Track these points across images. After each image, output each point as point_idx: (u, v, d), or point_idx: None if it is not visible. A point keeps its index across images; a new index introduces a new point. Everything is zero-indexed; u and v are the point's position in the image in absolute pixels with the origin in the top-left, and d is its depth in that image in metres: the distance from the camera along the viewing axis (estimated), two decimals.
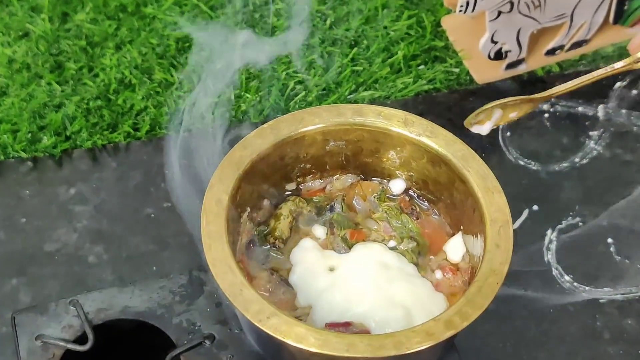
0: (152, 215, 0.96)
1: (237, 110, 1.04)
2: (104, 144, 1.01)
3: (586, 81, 0.81)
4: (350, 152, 0.75)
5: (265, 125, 0.73)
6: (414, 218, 0.76)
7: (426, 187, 0.76)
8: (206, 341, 0.72)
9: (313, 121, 0.73)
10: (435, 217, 0.77)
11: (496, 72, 1.07)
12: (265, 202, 0.75)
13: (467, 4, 0.95)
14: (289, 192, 0.77)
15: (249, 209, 0.73)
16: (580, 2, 1.02)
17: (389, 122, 0.73)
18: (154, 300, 0.75)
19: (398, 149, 0.74)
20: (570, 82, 0.81)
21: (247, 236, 0.73)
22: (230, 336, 0.73)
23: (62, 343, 0.71)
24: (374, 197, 0.76)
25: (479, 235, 0.70)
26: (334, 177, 0.77)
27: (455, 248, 0.74)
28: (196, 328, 0.74)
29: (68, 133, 1.02)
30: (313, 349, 0.60)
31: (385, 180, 0.78)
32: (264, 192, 0.74)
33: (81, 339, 0.72)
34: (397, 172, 0.76)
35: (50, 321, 0.73)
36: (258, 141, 0.71)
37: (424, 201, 0.77)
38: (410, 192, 0.77)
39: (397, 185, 0.78)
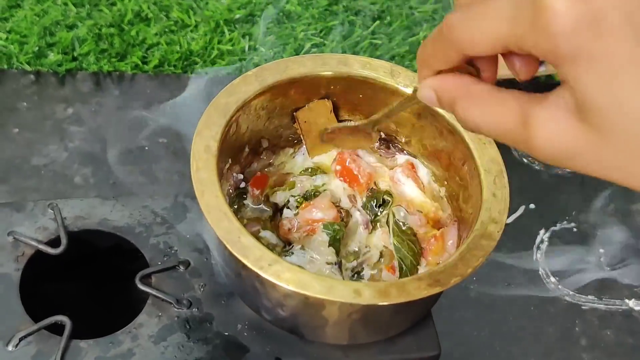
0: (147, 148, 0.95)
1: (250, 62, 1.03)
2: (109, 70, 1.00)
3: None
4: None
5: (249, 72, 0.70)
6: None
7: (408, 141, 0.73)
8: (180, 266, 0.70)
9: (297, 70, 0.71)
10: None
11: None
12: (246, 151, 0.72)
13: None
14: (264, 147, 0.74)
15: (230, 161, 0.70)
16: None
17: (375, 72, 0.71)
18: (135, 218, 0.73)
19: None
20: None
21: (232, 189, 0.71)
22: (205, 265, 0.70)
23: (34, 242, 0.69)
24: None
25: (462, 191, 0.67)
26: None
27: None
28: (172, 252, 0.71)
29: (76, 54, 1.00)
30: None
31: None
32: (244, 143, 0.72)
33: (54, 243, 0.70)
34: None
35: (26, 219, 0.71)
36: (243, 88, 0.69)
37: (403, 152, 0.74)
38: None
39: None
